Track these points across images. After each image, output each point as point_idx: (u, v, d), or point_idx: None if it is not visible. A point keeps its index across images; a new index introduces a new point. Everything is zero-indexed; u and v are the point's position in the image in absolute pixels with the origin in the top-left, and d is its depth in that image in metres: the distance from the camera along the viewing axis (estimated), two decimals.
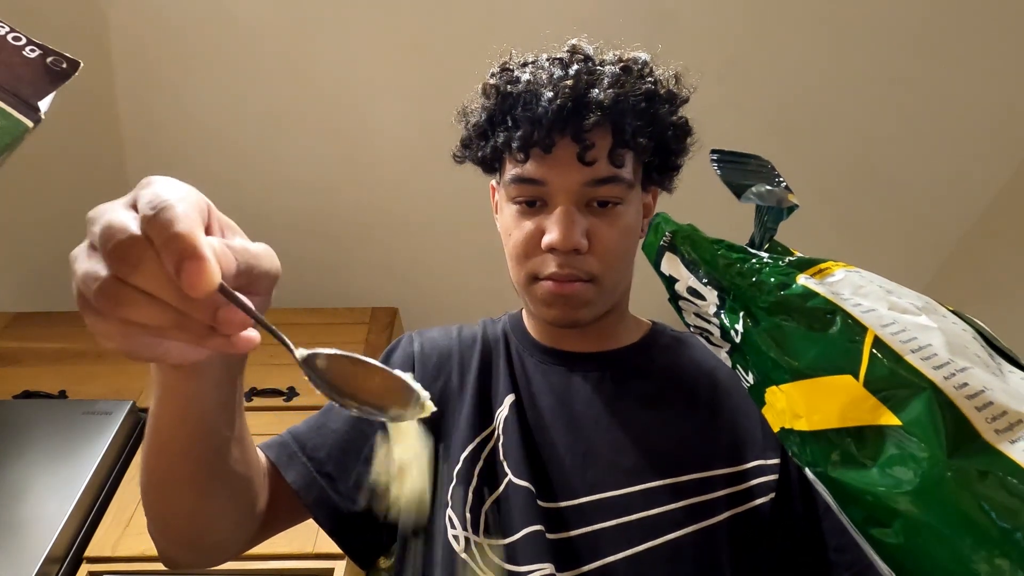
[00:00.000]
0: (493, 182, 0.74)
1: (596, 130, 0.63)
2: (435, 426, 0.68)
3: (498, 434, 0.67)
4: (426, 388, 0.68)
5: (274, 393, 1.78)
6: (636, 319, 0.79)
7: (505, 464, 0.65)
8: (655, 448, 0.65)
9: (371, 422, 0.67)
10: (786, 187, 0.55)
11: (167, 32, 1.69)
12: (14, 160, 0.33)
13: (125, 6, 1.65)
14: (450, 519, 0.63)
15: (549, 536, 0.60)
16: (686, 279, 0.51)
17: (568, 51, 0.68)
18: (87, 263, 0.31)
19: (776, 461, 0.64)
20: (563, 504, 0.62)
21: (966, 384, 0.35)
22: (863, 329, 0.39)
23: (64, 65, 0.32)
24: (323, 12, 1.65)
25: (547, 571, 0.58)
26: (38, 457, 1.54)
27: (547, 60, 0.68)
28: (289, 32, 1.69)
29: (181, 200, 0.31)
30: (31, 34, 0.33)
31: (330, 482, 0.65)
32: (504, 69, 0.69)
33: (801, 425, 0.40)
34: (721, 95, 1.66)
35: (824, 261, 0.47)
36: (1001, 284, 1.87)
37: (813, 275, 0.45)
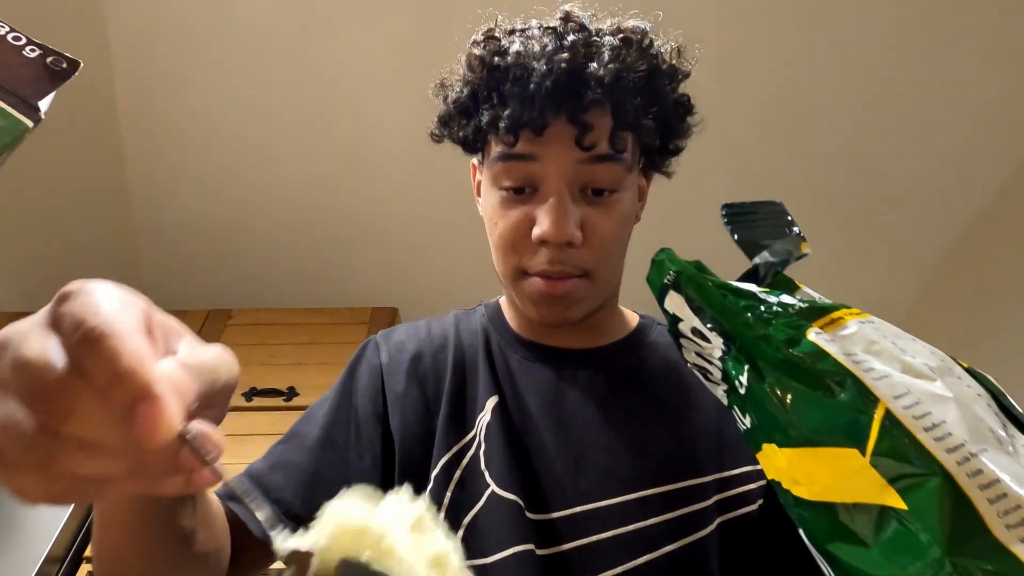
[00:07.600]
0: (474, 160, 0.68)
1: (594, 110, 0.57)
2: (410, 446, 0.62)
3: (479, 441, 0.61)
4: (400, 404, 0.64)
5: (274, 393, 1.77)
6: (624, 311, 0.74)
7: (487, 474, 0.59)
8: (650, 453, 0.61)
9: (335, 446, 0.62)
10: (799, 234, 0.53)
11: (167, 31, 1.69)
12: (14, 159, 0.33)
13: (125, 5, 1.65)
14: None
15: (539, 552, 0.55)
16: (691, 320, 0.47)
17: (561, 19, 0.61)
18: None
19: None
20: (555, 515, 0.57)
21: (980, 472, 0.33)
22: (874, 401, 0.37)
23: (64, 65, 0.32)
24: (323, 11, 1.65)
25: None
26: None
27: (539, 28, 0.61)
28: (289, 31, 1.69)
29: (116, 319, 0.24)
30: (31, 34, 0.33)
31: (298, 524, 0.59)
32: (489, 37, 0.62)
33: (800, 492, 0.39)
34: (716, 93, 1.65)
35: (836, 309, 0.44)
36: (999, 286, 1.87)
37: (823, 327, 0.42)
